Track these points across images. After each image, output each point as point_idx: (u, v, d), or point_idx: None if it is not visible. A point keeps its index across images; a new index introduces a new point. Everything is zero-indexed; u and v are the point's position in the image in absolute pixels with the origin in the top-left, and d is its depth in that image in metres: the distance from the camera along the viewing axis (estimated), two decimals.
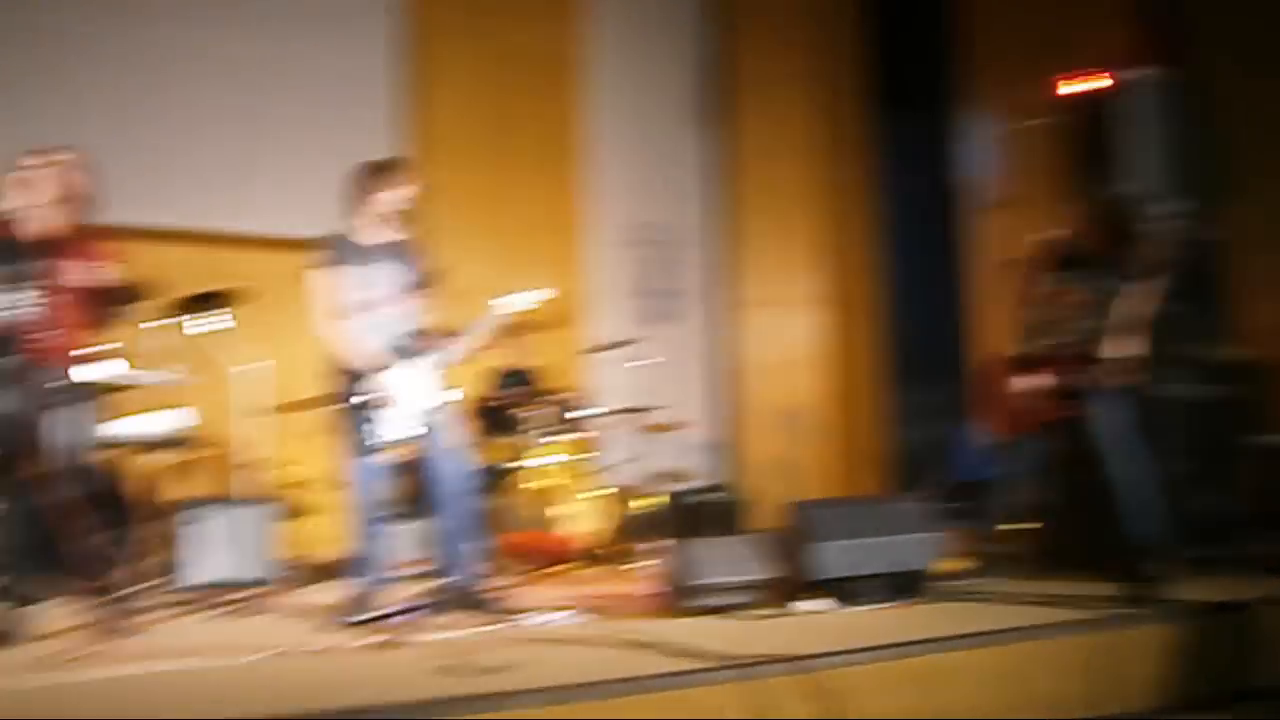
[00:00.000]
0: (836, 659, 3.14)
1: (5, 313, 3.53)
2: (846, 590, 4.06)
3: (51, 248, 3.61)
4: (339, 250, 4.05)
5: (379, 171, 4.10)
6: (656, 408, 6.27)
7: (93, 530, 3.68)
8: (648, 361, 6.37)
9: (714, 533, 5.31)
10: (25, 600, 3.69)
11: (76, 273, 3.65)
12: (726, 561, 4.04)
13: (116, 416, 4.54)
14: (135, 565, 3.83)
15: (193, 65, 6.52)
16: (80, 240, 3.71)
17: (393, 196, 4.06)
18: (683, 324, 7.91)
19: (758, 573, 4.03)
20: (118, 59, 6.38)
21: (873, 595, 4.07)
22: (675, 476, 6.53)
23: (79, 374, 3.71)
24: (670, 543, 4.28)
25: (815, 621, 3.86)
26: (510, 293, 4.21)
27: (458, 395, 4.18)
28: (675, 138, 8.14)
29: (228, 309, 5.43)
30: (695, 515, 6.07)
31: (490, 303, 4.21)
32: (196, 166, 6.53)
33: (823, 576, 4.05)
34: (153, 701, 2.82)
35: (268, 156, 6.77)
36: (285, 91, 6.78)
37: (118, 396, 4.41)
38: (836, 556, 4.07)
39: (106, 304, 3.75)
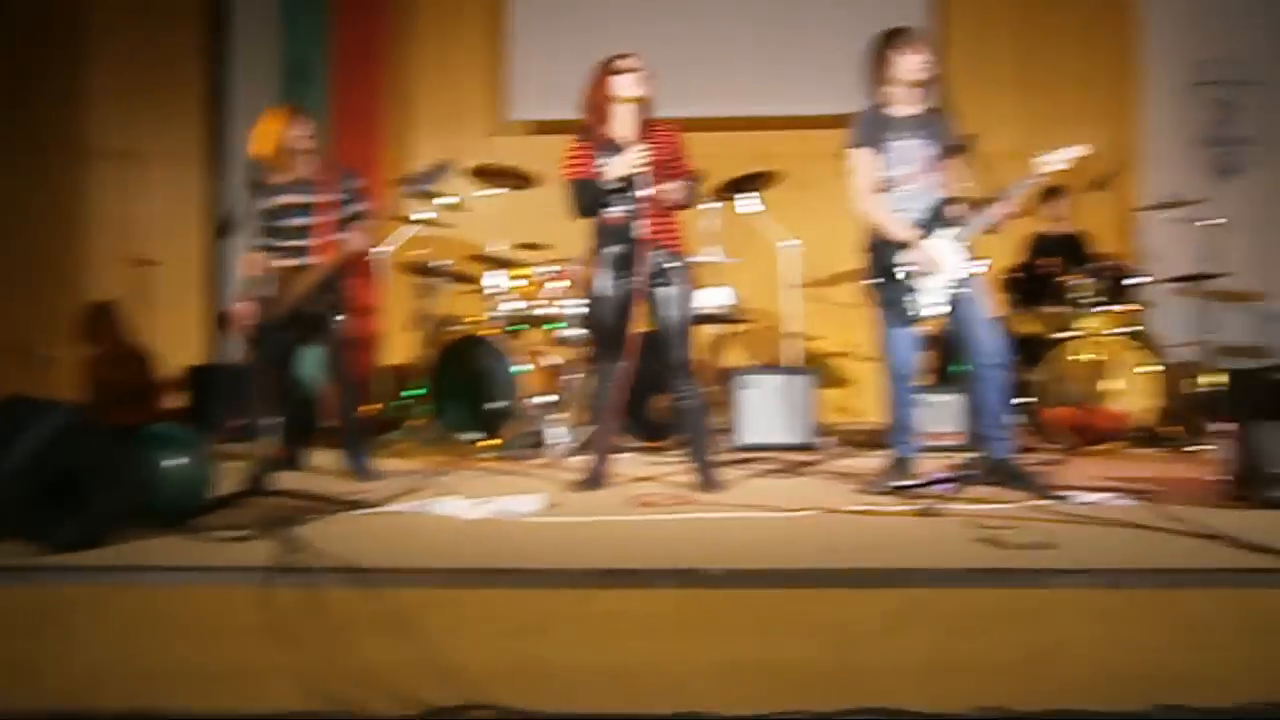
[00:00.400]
0: None
1: (623, 209, 4.05)
2: None
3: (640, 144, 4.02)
4: (868, 125, 4.07)
5: (894, 40, 4.03)
6: (1223, 274, 5.65)
7: (671, 392, 4.22)
8: (1213, 221, 5.72)
9: None
10: (613, 450, 4.27)
11: (661, 167, 4.05)
12: None
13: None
14: (700, 424, 4.23)
15: None
16: (658, 137, 4.09)
17: (910, 64, 3.98)
18: (1256, 178, 6.90)
19: None
20: None
21: None
22: (1243, 352, 5.88)
23: (676, 257, 4.15)
24: (1236, 425, 3.89)
25: None
26: (1046, 152, 3.97)
27: (987, 265, 4.05)
28: None
29: (763, 190, 5.73)
30: (1267, 396, 5.44)
31: (1027, 165, 4.01)
32: (727, 56, 6.93)
33: None
34: (714, 543, 3.11)
35: (796, 38, 6.96)
36: None
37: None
38: None
39: (682, 193, 4.13)
